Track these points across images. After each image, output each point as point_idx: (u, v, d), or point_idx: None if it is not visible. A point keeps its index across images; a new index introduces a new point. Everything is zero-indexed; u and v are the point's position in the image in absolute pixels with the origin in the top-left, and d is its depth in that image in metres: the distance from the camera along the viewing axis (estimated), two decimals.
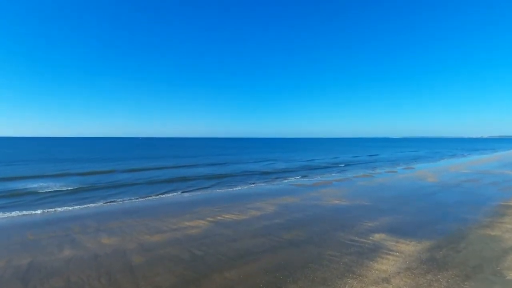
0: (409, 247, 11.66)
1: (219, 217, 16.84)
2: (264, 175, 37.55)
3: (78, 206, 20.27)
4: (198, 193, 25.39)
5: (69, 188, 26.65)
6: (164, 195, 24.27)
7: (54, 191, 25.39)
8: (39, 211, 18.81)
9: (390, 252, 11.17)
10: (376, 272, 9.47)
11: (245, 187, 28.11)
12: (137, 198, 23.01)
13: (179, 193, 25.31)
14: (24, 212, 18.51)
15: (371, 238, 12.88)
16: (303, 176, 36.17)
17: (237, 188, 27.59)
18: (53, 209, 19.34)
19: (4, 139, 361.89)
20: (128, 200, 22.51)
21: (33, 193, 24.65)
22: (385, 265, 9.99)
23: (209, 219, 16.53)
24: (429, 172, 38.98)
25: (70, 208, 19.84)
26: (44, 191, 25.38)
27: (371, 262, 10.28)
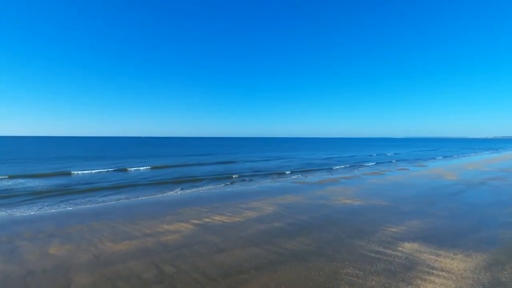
0: (457, 264, 8.52)
1: (206, 219, 13.77)
2: (283, 175, 33.33)
3: (47, 208, 17.34)
4: (189, 191, 22.30)
5: (53, 189, 23.26)
6: (152, 195, 21.21)
7: (32, 192, 21.93)
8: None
9: (433, 271, 8.03)
10: None
11: (242, 185, 25.00)
12: (127, 199, 19.82)
13: (168, 191, 22.28)
14: None
15: (400, 249, 9.75)
16: (328, 174, 32.99)
17: (232, 186, 24.51)
18: (14, 211, 16.42)
19: (8, 138, 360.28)
20: (113, 200, 19.52)
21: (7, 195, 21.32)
22: None
23: (194, 221, 13.47)
24: (445, 170, 35.66)
25: (37, 209, 16.91)
26: (20, 192, 21.89)
27: None
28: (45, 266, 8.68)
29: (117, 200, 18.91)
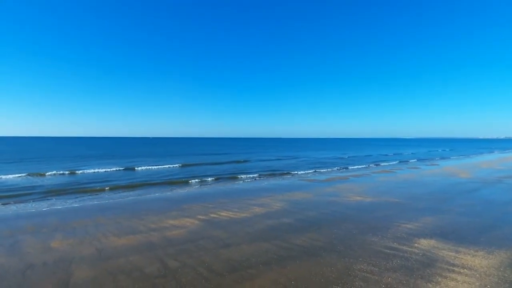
0: (479, 261, 7.96)
1: (213, 215, 13.41)
2: (293, 173, 32.40)
3: (55, 204, 17.24)
4: (197, 188, 21.99)
5: (64, 187, 22.76)
6: (160, 193, 20.95)
7: (44, 189, 21.49)
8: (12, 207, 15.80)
9: (454, 268, 7.50)
10: None
11: (251, 182, 24.60)
12: (138, 196, 19.63)
13: (179, 190, 22.00)
14: None
15: (417, 245, 9.22)
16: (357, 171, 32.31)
17: (240, 183, 24.13)
18: (22, 206, 16.33)
19: (20, 138, 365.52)
20: (122, 197, 19.32)
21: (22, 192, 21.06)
22: None
23: (200, 217, 13.11)
24: (458, 168, 34.71)
25: (45, 206, 16.81)
26: (32, 190, 21.51)
27: (430, 285, 6.65)
28: (46, 260, 8.40)
29: (126, 198, 18.70)
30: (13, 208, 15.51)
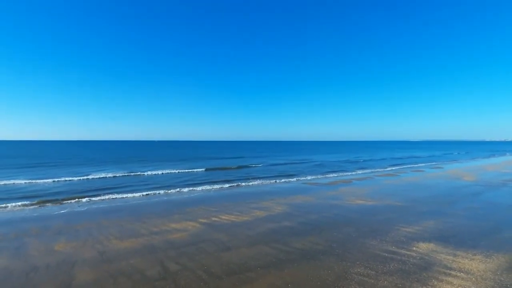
0: (477, 264, 7.99)
1: (214, 218, 13.56)
2: (299, 177, 32.68)
3: (61, 207, 17.51)
4: (199, 191, 22.14)
5: (75, 192, 23.10)
6: (163, 196, 21.14)
7: (57, 195, 21.20)
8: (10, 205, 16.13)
9: (451, 272, 7.54)
10: None
11: (254, 186, 24.71)
12: (142, 200, 19.89)
13: (177, 190, 22.18)
14: None
15: (415, 249, 9.26)
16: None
17: (244, 186, 24.26)
18: (31, 210, 16.64)
19: (23, 142, 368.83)
20: (128, 201, 19.55)
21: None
22: None
23: (201, 220, 13.27)
24: (463, 171, 34.47)
25: (55, 210, 17.11)
26: (44, 196, 21.46)
27: None
28: (49, 263, 8.61)
29: (131, 201, 18.92)
30: (24, 212, 15.81)
